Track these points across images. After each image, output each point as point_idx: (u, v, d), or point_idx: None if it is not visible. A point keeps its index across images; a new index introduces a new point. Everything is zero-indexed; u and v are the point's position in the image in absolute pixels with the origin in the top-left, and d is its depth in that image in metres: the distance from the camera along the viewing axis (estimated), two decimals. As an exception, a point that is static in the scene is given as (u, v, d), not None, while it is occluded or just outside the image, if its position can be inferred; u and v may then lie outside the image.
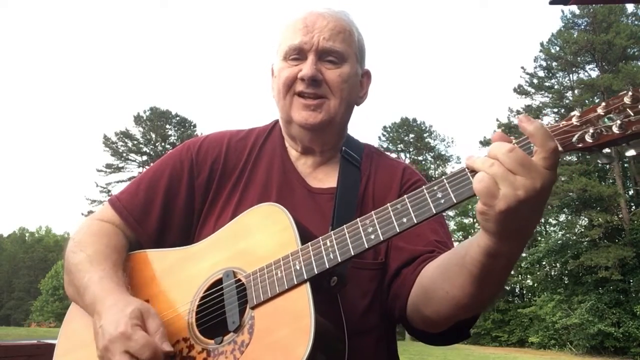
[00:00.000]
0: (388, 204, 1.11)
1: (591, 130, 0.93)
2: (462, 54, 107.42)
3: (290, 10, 1.56)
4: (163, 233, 1.49)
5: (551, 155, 0.92)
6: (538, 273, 40.51)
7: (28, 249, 78.56)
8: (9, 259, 77.98)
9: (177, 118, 56.85)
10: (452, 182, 1.02)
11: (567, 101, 41.22)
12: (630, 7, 39.42)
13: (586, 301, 33.37)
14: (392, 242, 1.37)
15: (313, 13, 1.50)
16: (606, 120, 0.93)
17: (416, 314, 1.27)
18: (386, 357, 1.41)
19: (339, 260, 1.12)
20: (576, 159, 38.32)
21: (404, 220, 1.07)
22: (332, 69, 1.46)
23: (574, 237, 37.71)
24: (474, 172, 0.98)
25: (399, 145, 54.83)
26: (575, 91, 40.95)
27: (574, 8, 40.09)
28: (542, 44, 42.54)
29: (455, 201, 1.01)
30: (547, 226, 42.03)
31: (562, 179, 34.08)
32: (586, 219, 37.44)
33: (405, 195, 1.09)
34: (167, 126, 56.34)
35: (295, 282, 1.14)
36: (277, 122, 1.65)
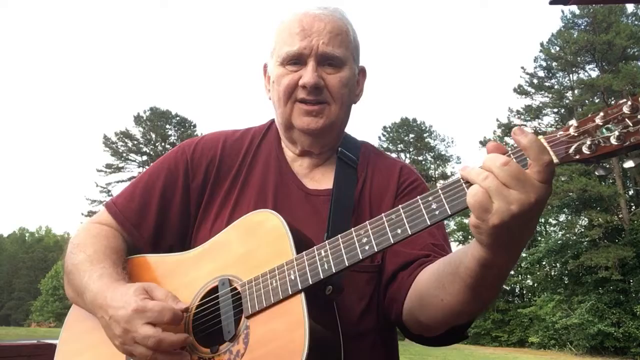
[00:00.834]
0: (383, 215, 1.10)
1: (589, 142, 0.91)
2: (462, 53, 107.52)
3: (285, 9, 1.52)
4: (159, 237, 1.49)
5: (545, 168, 0.91)
6: (538, 273, 40.47)
7: (28, 249, 78.54)
8: (9, 259, 77.93)
9: (177, 118, 56.77)
10: (447, 193, 1.02)
11: (567, 101, 41.19)
12: (630, 7, 39.43)
13: (586, 301, 33.34)
14: None
15: (309, 14, 1.47)
16: (604, 130, 0.90)
17: (412, 319, 1.27)
18: (384, 359, 1.40)
19: (334, 271, 1.12)
20: (576, 159, 38.24)
21: (399, 231, 1.06)
22: (332, 73, 1.45)
23: (574, 237, 37.66)
24: (468, 183, 0.98)
25: (399, 145, 54.77)
26: (575, 91, 40.91)
27: (574, 8, 40.06)
28: (542, 44, 42.50)
29: (450, 213, 1.00)
30: (547, 226, 42.00)
31: (562, 179, 34.02)
32: (586, 219, 37.40)
33: (400, 206, 1.08)
34: (167, 126, 56.27)
35: (290, 292, 1.14)
36: (273, 121, 1.63)
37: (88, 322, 1.38)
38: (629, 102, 0.89)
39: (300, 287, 1.13)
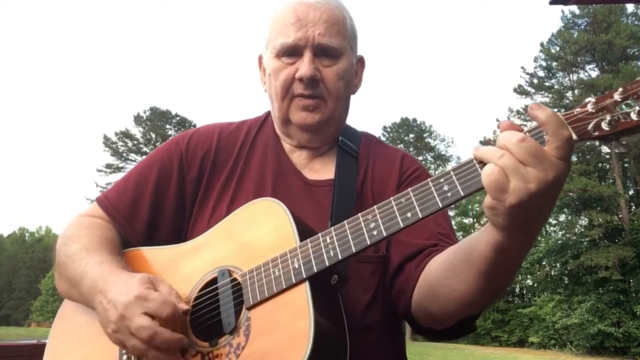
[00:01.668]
0: (391, 198, 1.05)
1: (608, 118, 0.87)
2: (462, 53, 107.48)
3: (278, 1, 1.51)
4: (153, 231, 1.44)
5: (565, 144, 0.87)
6: (538, 273, 40.49)
7: (28, 249, 78.50)
8: (9, 259, 77.90)
9: (177, 118, 56.77)
10: (459, 174, 0.97)
11: (567, 101, 41.17)
12: (630, 7, 39.42)
13: (586, 301, 33.33)
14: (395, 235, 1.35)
15: (304, 3, 1.42)
16: (624, 106, 0.87)
17: (421, 311, 1.22)
18: (391, 354, 1.36)
19: (340, 258, 1.07)
20: (576, 159, 38.30)
21: (409, 214, 1.01)
22: (329, 66, 1.41)
23: (574, 237, 37.67)
24: (482, 163, 0.93)
25: (399, 145, 54.68)
26: (575, 91, 40.90)
27: (574, 8, 40.07)
28: (542, 44, 42.53)
29: (462, 194, 0.96)
30: (547, 226, 41.92)
31: (562, 178, 33.94)
32: (586, 219, 37.40)
33: (409, 188, 1.03)
34: (167, 126, 56.27)
35: (294, 281, 1.09)
36: (269, 113, 1.59)
37: (81, 318, 1.34)
38: None
39: (304, 276, 1.08)
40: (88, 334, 1.30)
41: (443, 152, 54.79)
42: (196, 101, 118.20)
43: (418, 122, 55.48)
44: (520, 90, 43.22)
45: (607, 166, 39.66)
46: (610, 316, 32.28)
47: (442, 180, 0.99)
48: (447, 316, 1.17)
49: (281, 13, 1.45)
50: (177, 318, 1.14)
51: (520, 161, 0.87)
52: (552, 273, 40.21)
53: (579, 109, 0.91)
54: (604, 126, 0.88)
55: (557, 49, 41.91)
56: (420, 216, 1.00)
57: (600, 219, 34.66)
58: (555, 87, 42.84)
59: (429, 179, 1.02)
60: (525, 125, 0.97)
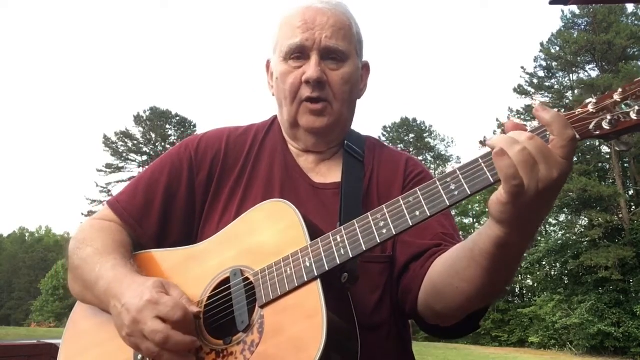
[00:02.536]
0: (399, 197, 1.08)
1: (608, 117, 0.91)
2: (462, 53, 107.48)
3: (287, 4, 1.55)
4: (164, 233, 1.47)
5: (569, 143, 0.91)
6: (538, 273, 40.45)
7: (28, 249, 78.45)
8: (9, 259, 77.85)
9: (177, 118, 56.75)
10: (465, 173, 1.00)
11: (567, 101, 41.17)
12: (630, 7, 39.40)
13: (586, 301, 33.31)
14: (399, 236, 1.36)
15: (311, 8, 1.46)
16: (623, 106, 0.91)
17: (427, 310, 1.26)
18: (399, 352, 1.38)
19: (350, 256, 1.10)
20: (576, 159, 38.32)
21: (417, 213, 1.04)
22: (335, 69, 1.44)
23: (574, 237, 37.65)
24: (488, 162, 0.97)
25: (399, 145, 54.72)
26: (575, 91, 40.91)
27: (574, 8, 40.05)
28: (542, 44, 42.48)
29: (469, 192, 0.99)
30: (547, 226, 41.96)
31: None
32: (586, 219, 37.38)
33: (417, 188, 1.07)
34: (167, 126, 56.23)
35: (306, 279, 1.12)
36: (275, 118, 1.62)
37: (95, 319, 1.36)
38: None
39: (316, 274, 1.11)
40: (103, 335, 1.33)
41: (443, 152, 54.88)
42: (196, 101, 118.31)
43: (418, 122, 55.55)
44: (520, 90, 43.20)
45: (607, 166, 39.65)
46: (610, 316, 32.26)
47: (448, 179, 1.02)
48: (453, 313, 1.21)
49: (289, 18, 1.49)
50: (189, 321, 1.17)
51: (532, 157, 0.91)
52: (552, 273, 40.18)
53: (580, 109, 0.95)
54: (605, 125, 0.91)
55: (557, 49, 41.89)
56: (429, 214, 1.03)
57: (600, 219, 34.64)
58: (555, 87, 42.83)
59: (435, 179, 1.05)
60: (527, 126, 0.99)
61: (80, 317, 1.45)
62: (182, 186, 1.49)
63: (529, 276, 43.42)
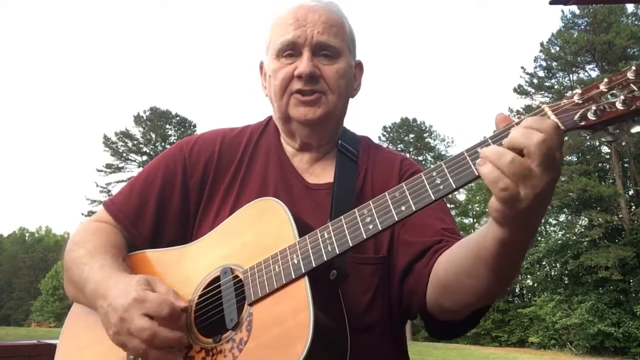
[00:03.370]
0: (386, 192, 1.09)
1: (594, 108, 0.90)
2: (462, 53, 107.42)
3: (279, 5, 1.56)
4: (158, 235, 1.48)
5: (545, 145, 0.91)
6: (538, 273, 40.43)
7: (28, 249, 78.44)
8: (9, 259, 77.84)
9: (177, 118, 56.72)
10: (450, 167, 1.00)
11: (567, 101, 41.10)
12: (630, 7, 39.40)
13: (586, 301, 33.31)
14: (399, 237, 1.36)
15: (303, 6, 1.47)
16: (609, 96, 0.90)
17: (436, 307, 1.26)
18: (393, 354, 1.38)
19: (337, 252, 1.10)
20: (576, 159, 38.32)
21: (403, 208, 1.04)
22: (328, 64, 1.44)
23: (574, 237, 37.63)
24: (473, 155, 0.97)
25: (399, 145, 54.72)
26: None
27: (574, 8, 40.03)
28: (542, 44, 42.48)
29: (454, 186, 0.99)
30: (547, 226, 41.97)
31: (562, 179, 34.02)
32: (586, 219, 37.37)
33: (402, 183, 1.07)
34: (167, 126, 56.21)
35: (294, 277, 1.12)
36: (270, 118, 1.62)
37: (89, 318, 1.37)
38: (634, 68, 0.89)
39: (303, 271, 1.11)
40: (98, 333, 1.33)
41: (443, 152, 54.76)
42: (196, 101, 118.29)
43: (418, 122, 55.48)
44: (520, 90, 43.19)
45: (607, 166, 39.64)
46: (610, 316, 32.26)
47: (434, 173, 1.02)
48: (462, 308, 1.22)
49: (281, 17, 1.49)
50: (176, 316, 1.17)
51: (523, 167, 0.90)
52: (552, 273, 40.18)
53: (565, 101, 0.94)
54: (590, 116, 0.91)
55: (557, 49, 41.88)
56: (414, 209, 1.03)
57: (600, 219, 34.64)
58: (555, 87, 42.77)
59: (421, 173, 1.05)
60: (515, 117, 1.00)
61: (77, 316, 1.46)
62: (175, 189, 1.49)
63: (529, 276, 43.39)
